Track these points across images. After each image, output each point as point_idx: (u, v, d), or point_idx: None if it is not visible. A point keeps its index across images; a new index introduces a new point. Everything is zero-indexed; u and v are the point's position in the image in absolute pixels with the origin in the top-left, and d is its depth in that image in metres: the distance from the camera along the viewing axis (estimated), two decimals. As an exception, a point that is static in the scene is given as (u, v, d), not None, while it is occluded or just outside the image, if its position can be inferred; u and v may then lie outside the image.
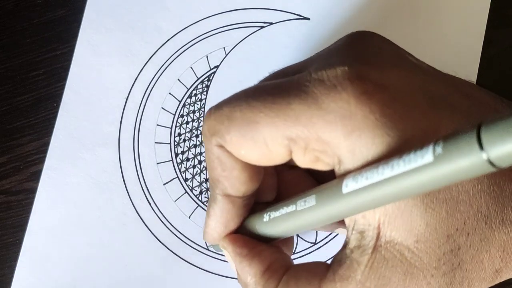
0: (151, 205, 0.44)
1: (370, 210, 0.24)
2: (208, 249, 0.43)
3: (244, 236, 0.30)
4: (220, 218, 0.30)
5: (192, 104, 0.45)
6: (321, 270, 0.26)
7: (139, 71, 0.45)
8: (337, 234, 0.41)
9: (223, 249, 0.31)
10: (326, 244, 0.42)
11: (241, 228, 0.31)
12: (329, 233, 0.41)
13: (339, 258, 0.26)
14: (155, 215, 0.43)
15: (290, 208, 0.27)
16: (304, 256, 0.42)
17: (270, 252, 0.29)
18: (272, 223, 0.29)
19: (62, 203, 0.44)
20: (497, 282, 0.26)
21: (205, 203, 0.43)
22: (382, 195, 0.22)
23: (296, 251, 0.42)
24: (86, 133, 0.44)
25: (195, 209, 0.44)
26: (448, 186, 0.23)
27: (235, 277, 0.42)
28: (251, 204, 0.31)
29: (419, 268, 0.23)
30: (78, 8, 0.46)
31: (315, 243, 0.42)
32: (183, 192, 0.44)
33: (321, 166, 0.26)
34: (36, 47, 0.46)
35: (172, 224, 0.43)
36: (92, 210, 0.43)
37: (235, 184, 0.29)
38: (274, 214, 0.28)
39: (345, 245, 0.26)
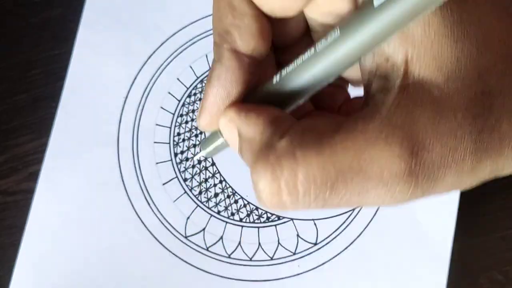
0: (150, 205, 0.44)
1: (396, 44, 0.21)
2: (207, 250, 0.43)
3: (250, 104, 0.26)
4: (223, 81, 0.25)
5: (191, 104, 0.45)
6: (341, 117, 0.23)
7: (138, 70, 0.45)
8: (338, 234, 0.41)
9: (221, 122, 0.26)
10: (328, 244, 0.43)
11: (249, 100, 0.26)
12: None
13: (360, 109, 0.23)
14: (154, 215, 0.43)
15: (307, 54, 0.23)
16: (305, 257, 0.43)
17: (279, 110, 0.25)
18: (284, 81, 0.24)
19: (60, 203, 0.43)
20: None
21: (204, 203, 0.43)
22: None
23: (296, 251, 0.43)
24: (85, 133, 0.44)
25: (194, 209, 0.44)
26: (478, 20, 0.21)
27: (234, 277, 0.43)
28: (255, 78, 0.26)
29: (450, 108, 0.21)
30: (76, 8, 0.46)
31: (315, 244, 0.43)
32: (183, 192, 0.44)
33: (343, 2, 0.23)
34: (34, 46, 0.46)
35: (171, 224, 0.43)
36: (90, 211, 0.43)
37: (245, 35, 0.25)
38: (287, 69, 0.24)
39: (366, 98, 0.23)
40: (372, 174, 0.21)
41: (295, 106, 0.25)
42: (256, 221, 0.44)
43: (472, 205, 0.45)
